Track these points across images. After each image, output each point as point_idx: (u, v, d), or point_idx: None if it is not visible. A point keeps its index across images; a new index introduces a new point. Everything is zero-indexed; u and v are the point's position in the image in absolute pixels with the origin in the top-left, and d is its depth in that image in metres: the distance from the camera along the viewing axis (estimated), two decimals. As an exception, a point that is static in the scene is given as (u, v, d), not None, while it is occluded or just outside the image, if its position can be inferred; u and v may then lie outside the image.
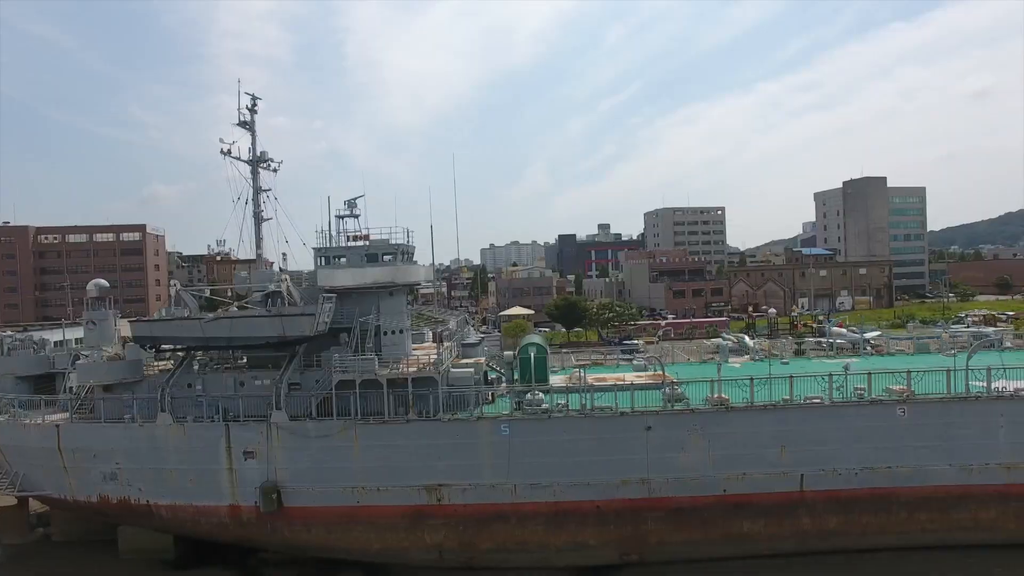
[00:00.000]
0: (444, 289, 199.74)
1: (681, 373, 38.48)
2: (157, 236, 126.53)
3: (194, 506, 33.72)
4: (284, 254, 42.02)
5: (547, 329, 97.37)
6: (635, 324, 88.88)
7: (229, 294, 51.56)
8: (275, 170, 40.82)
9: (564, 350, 70.94)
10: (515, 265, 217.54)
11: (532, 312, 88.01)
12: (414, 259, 39.94)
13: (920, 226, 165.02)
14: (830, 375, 32.51)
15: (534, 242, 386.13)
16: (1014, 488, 31.99)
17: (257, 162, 39.45)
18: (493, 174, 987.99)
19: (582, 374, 33.47)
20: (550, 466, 31.92)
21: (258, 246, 39.91)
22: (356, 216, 38.98)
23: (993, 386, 32.43)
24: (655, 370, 42.08)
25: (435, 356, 34.79)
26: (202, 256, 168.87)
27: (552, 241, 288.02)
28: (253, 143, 39.27)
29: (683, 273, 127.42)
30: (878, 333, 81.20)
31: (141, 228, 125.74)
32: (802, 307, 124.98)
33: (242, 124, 38.96)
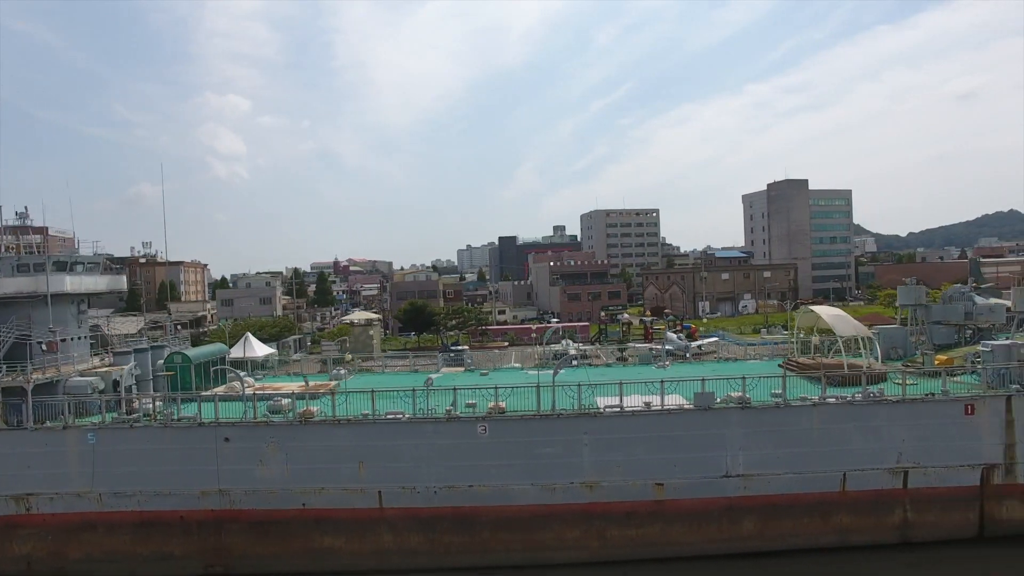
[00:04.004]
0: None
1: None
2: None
3: None
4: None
5: (415, 335, 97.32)
6: (484, 328, 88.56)
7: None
8: None
9: (413, 355, 70.80)
10: (433, 269, 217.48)
11: (377, 316, 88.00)
12: (88, 269, 40.35)
13: (846, 228, 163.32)
14: (413, 391, 32.44)
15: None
16: (597, 506, 31.64)
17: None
18: (485, 174, 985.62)
19: (168, 386, 33.54)
20: (135, 475, 31.94)
21: None
22: (28, 226, 39.47)
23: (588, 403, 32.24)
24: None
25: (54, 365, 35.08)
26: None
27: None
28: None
29: (586, 276, 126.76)
30: (715, 339, 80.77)
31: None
32: (703, 310, 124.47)
33: None
